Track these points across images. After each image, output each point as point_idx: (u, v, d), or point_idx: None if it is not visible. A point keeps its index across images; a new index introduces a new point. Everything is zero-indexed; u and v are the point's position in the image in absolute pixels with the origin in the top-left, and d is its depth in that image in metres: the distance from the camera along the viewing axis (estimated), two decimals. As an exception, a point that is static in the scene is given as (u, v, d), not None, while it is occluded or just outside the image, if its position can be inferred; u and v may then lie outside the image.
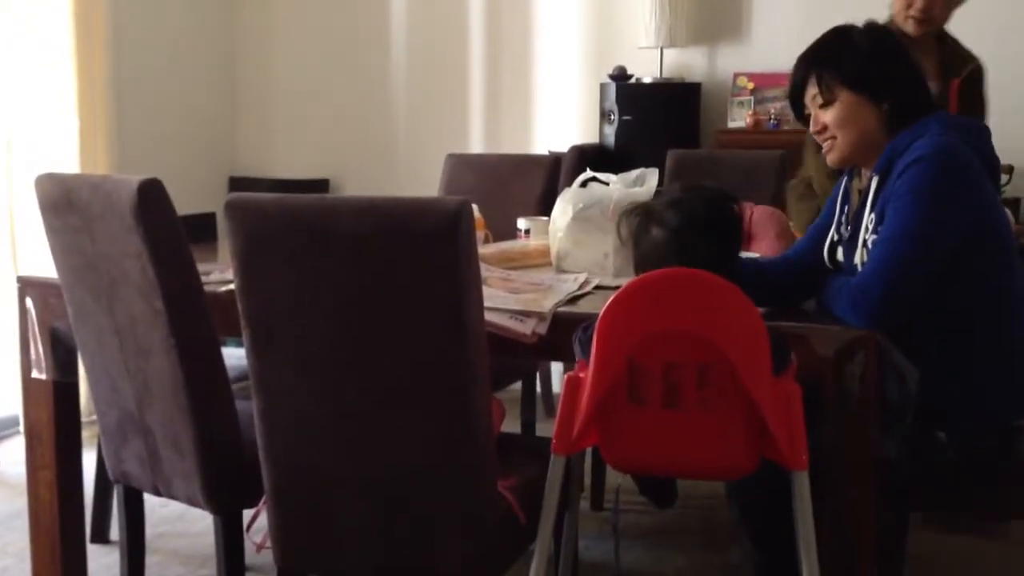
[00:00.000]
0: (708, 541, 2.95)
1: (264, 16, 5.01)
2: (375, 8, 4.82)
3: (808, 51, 2.06)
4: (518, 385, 3.40)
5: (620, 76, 4.32)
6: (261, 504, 1.98)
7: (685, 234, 1.79)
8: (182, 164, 4.61)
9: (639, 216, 1.85)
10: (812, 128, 2.07)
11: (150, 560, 2.39)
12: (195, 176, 4.71)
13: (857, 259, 1.99)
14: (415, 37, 4.79)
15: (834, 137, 2.03)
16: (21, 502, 2.63)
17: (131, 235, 2.00)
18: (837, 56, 2.02)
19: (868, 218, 1.97)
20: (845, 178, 2.14)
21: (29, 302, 2.46)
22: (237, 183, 4.93)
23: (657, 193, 1.94)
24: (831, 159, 2.07)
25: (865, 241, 1.96)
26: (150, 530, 2.39)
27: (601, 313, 1.68)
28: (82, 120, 3.90)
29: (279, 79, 5.04)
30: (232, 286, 2.15)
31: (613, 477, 3.21)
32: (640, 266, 1.83)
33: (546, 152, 4.19)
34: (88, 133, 3.93)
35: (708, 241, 1.79)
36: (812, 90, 2.03)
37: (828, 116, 2.02)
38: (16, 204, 3.73)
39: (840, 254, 2.07)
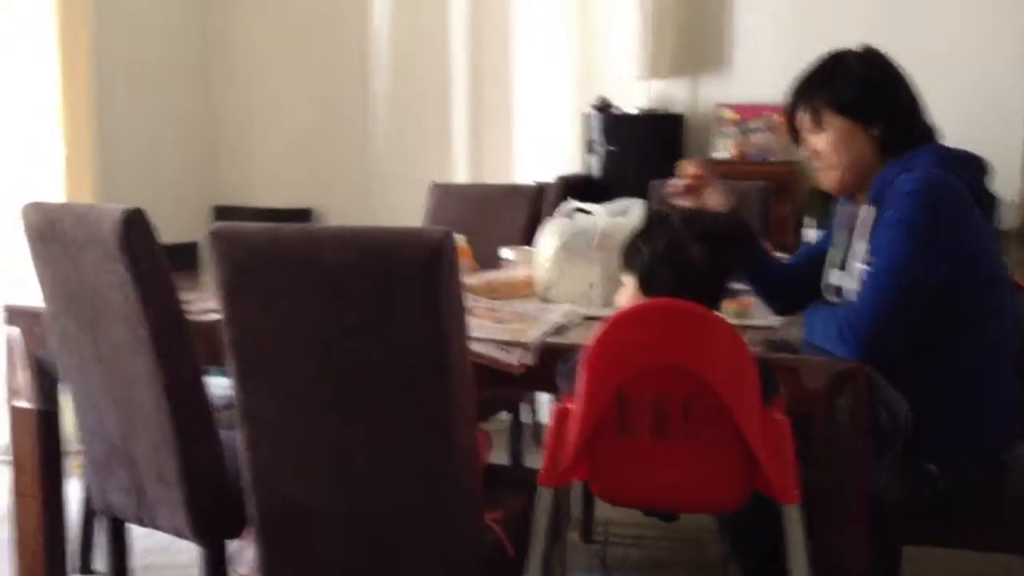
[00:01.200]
0: (699, 575, 2.94)
1: (244, 46, 5.02)
2: (355, 37, 4.83)
3: (801, 76, 2.07)
4: (506, 414, 3.40)
5: (603, 107, 4.35)
6: (246, 535, 1.96)
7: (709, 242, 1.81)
8: (165, 193, 4.60)
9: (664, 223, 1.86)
10: (805, 153, 2.08)
11: (133, 591, 2.37)
12: (178, 205, 4.70)
13: (846, 283, 2.00)
14: (397, 66, 4.80)
15: (829, 165, 2.04)
16: (2, 534, 2.60)
17: (115, 265, 1.99)
18: (829, 81, 2.02)
19: (859, 246, 1.98)
20: (842, 201, 2.15)
21: (14, 331, 2.45)
22: (220, 212, 4.92)
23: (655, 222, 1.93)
24: (826, 186, 2.08)
25: (856, 269, 1.97)
26: (136, 561, 2.37)
27: (589, 345, 1.68)
28: (68, 148, 3.90)
29: (261, 108, 5.04)
30: (213, 315, 2.15)
31: (603, 509, 3.19)
32: (655, 270, 1.82)
33: (530, 182, 4.19)
34: (74, 162, 3.94)
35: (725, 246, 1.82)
36: (803, 115, 2.04)
37: (820, 142, 2.03)
38: (2, 233, 3.72)
39: (834, 277, 2.08)
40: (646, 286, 1.82)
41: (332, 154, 4.94)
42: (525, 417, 3.59)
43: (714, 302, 1.81)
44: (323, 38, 4.91)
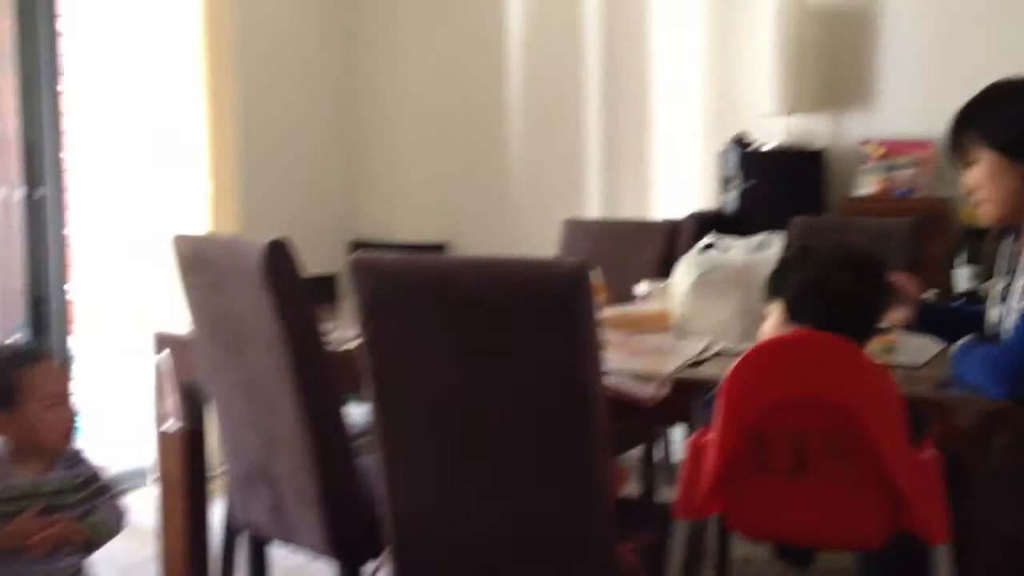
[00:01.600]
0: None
1: (383, 86, 5.14)
2: (492, 74, 4.89)
3: (960, 108, 2.02)
4: (638, 451, 3.36)
5: (741, 142, 4.29)
6: (383, 556, 1.98)
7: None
8: (304, 227, 4.71)
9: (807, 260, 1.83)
10: (962, 186, 2.02)
11: (272, 610, 2.42)
12: (317, 239, 4.82)
13: (1006, 321, 1.92)
14: (532, 101, 4.84)
15: (983, 198, 1.97)
16: (148, 551, 2.69)
17: (259, 293, 2.05)
18: (983, 115, 1.96)
19: (1018, 283, 1.90)
20: (1005, 238, 2.07)
21: (164, 356, 2.54)
22: (357, 247, 5.02)
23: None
24: (982, 218, 2.01)
25: (1014, 307, 1.89)
26: (273, 580, 2.42)
27: (726, 377, 1.65)
28: (215, 185, 4.05)
29: (398, 146, 5.14)
30: (350, 345, 2.19)
31: (739, 544, 3.11)
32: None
33: (664, 219, 4.16)
34: (220, 197, 4.08)
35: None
36: (958, 148, 1.99)
37: (973, 175, 1.97)
38: (153, 262, 3.87)
39: (993, 314, 2.01)
40: (792, 315, 1.78)
41: (467, 190, 5.01)
42: (656, 455, 3.54)
43: (862, 336, 1.75)
44: (460, 77, 5.00)
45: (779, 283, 1.82)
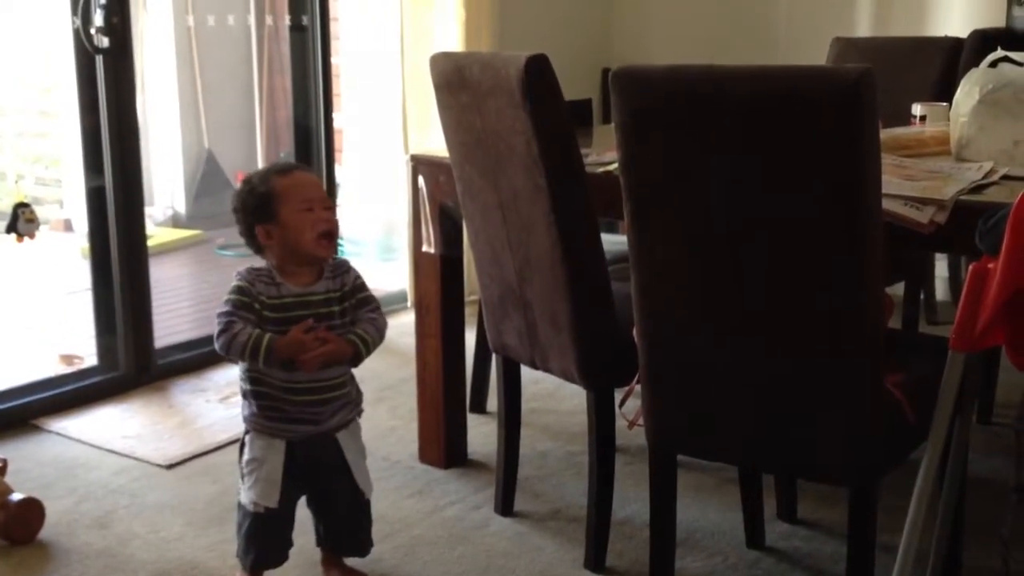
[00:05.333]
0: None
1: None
2: None
3: None
4: (899, 288, 3.22)
5: (1036, -50, 3.85)
6: (634, 382, 1.99)
7: None
8: (558, 54, 4.63)
9: None
10: None
11: (521, 432, 2.49)
12: (570, 65, 4.74)
13: None
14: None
15: None
16: (408, 370, 2.81)
17: (518, 111, 2.03)
18: None
19: None
20: None
21: (420, 180, 2.59)
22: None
23: None
24: None
25: None
26: (522, 405, 2.49)
27: (1016, 202, 1.51)
28: (468, 12, 4.03)
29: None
30: (609, 167, 2.15)
31: (1003, 390, 2.95)
32: None
33: (942, 36, 3.84)
34: (473, 26, 4.07)
35: None
36: None
37: None
38: (408, 86, 3.94)
39: None
40: None
41: (728, 11, 4.77)
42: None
43: None
44: None
45: None
